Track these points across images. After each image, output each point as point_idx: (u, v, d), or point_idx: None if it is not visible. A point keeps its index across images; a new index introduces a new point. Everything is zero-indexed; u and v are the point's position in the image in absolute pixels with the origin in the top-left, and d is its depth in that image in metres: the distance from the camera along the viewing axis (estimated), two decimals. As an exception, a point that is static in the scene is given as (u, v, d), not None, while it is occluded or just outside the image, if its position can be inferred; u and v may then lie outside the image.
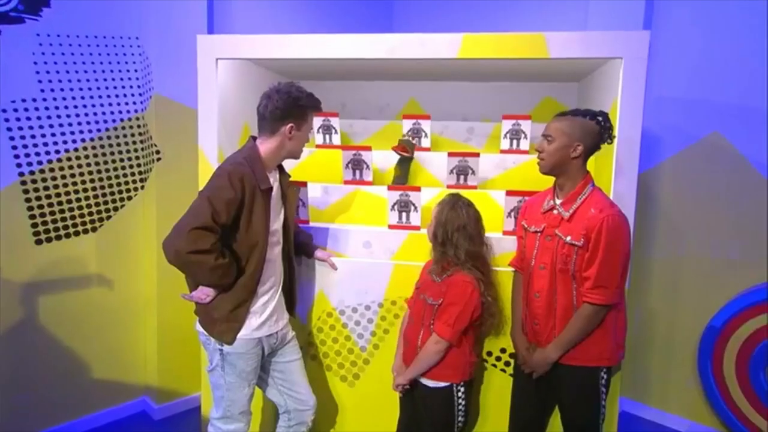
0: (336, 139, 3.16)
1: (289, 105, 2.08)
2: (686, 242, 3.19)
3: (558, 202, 2.06)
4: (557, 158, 2.01)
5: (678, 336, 3.23)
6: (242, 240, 2.03)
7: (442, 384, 2.19)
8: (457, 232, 2.15)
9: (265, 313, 2.15)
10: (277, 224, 2.17)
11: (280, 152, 2.14)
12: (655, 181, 3.26)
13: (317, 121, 3.14)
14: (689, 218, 3.17)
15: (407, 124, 3.07)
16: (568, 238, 1.99)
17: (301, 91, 2.12)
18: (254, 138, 2.17)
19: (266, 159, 2.11)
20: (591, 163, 2.69)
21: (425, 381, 2.21)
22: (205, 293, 2.05)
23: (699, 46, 3.07)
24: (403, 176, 2.85)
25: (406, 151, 2.80)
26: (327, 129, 3.15)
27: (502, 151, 2.97)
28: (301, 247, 2.50)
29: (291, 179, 2.31)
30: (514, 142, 2.94)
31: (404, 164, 2.85)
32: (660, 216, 3.26)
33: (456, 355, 2.18)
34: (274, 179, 2.17)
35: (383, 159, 2.92)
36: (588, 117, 1.99)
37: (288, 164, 2.98)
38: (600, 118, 2.00)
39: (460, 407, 2.20)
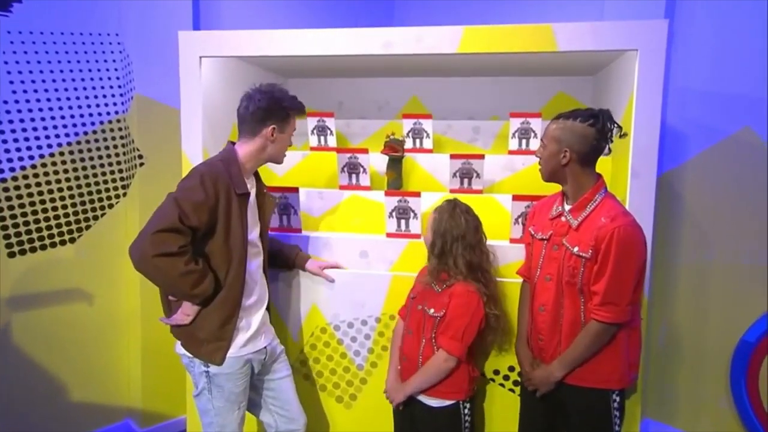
0: (331, 141, 3.18)
1: (271, 105, 2.13)
2: (715, 248, 3.16)
3: (567, 208, 2.06)
4: (550, 166, 2.04)
5: (708, 351, 3.20)
6: (220, 249, 2.05)
7: (448, 402, 2.22)
8: (456, 242, 2.18)
9: (251, 329, 2.17)
10: (254, 234, 2.19)
11: (260, 155, 2.18)
12: (680, 182, 3.24)
13: (311, 122, 3.16)
14: (718, 222, 3.14)
15: (407, 124, 3.08)
16: (576, 249, 1.98)
17: (283, 92, 2.17)
18: (232, 143, 2.21)
19: (245, 162, 2.15)
20: (608, 165, 2.72)
21: (428, 400, 2.23)
22: (185, 313, 2.07)
23: (728, 34, 3.05)
24: (398, 178, 2.87)
25: (397, 150, 2.82)
26: (322, 130, 3.17)
27: (510, 152, 2.97)
28: (288, 259, 2.53)
29: (268, 187, 2.35)
30: (523, 141, 2.94)
31: (396, 165, 2.87)
32: (685, 219, 3.24)
33: (461, 371, 2.21)
34: (251, 185, 2.20)
35: (381, 162, 2.93)
36: (580, 119, 1.97)
37: (281, 168, 3.05)
38: (598, 117, 1.98)
39: (467, 425, 2.24)
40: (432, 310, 2.19)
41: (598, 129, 1.97)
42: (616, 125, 2.01)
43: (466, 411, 2.24)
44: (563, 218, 2.06)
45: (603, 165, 2.63)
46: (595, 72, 3.13)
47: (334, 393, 2.64)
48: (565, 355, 2.03)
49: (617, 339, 2.01)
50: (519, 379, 2.39)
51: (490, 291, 2.23)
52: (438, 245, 2.19)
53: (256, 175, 2.29)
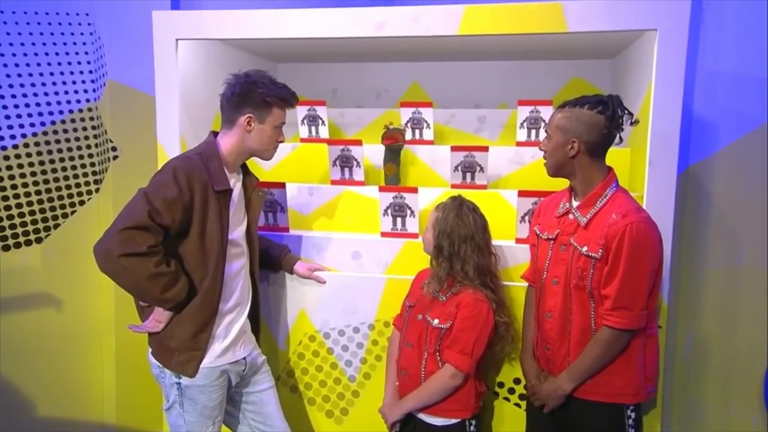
0: (323, 132, 3.20)
1: (246, 91, 2.12)
2: (746, 250, 3.14)
3: (575, 205, 2.07)
4: (556, 159, 2.04)
5: (738, 363, 3.18)
6: (195, 251, 2.06)
7: (454, 421, 2.22)
8: (464, 244, 2.18)
9: (228, 337, 2.18)
10: (237, 233, 2.20)
11: (241, 148, 2.18)
12: (707, 176, 3.23)
13: (301, 111, 3.18)
14: (750, 221, 3.12)
15: (406, 113, 3.10)
16: (585, 249, 1.99)
17: (264, 77, 2.15)
18: (215, 133, 2.22)
19: (227, 156, 2.16)
20: (626, 157, 2.72)
21: (431, 419, 2.23)
22: (156, 320, 2.09)
23: (763, 12, 3.02)
24: (398, 173, 2.88)
25: (398, 139, 2.83)
26: (313, 120, 3.19)
27: (518, 144, 2.98)
28: (275, 261, 2.54)
29: (258, 182, 2.35)
30: (533, 132, 2.95)
31: (396, 157, 2.88)
32: (713, 218, 3.22)
33: (467, 387, 2.21)
34: (236, 181, 2.21)
35: (377, 154, 2.94)
36: (588, 106, 1.98)
37: (268, 161, 3.05)
38: (608, 104, 1.98)
39: None
40: (436, 321, 2.19)
41: (608, 116, 1.97)
42: (627, 112, 2.01)
43: (472, 429, 2.25)
44: (571, 216, 2.07)
45: (621, 157, 2.65)
46: (614, 55, 3.13)
47: (324, 407, 2.66)
48: (574, 366, 2.04)
49: (632, 348, 2.01)
50: (525, 392, 2.41)
51: (499, 297, 2.24)
52: (444, 247, 2.18)
53: (245, 169, 2.30)
